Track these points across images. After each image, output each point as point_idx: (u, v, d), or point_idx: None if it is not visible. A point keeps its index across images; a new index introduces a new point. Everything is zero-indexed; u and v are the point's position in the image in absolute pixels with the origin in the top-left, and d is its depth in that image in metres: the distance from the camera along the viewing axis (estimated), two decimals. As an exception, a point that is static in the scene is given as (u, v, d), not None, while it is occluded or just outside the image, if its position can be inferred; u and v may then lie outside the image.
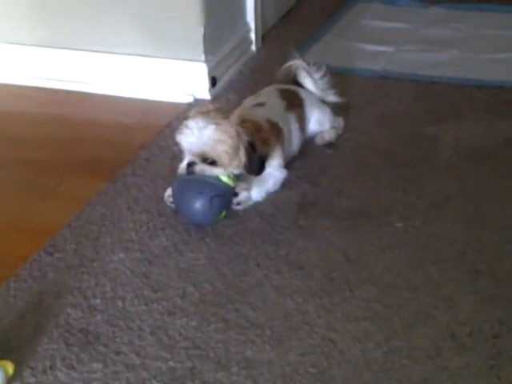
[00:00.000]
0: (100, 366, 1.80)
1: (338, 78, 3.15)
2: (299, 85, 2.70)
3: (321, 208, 2.35)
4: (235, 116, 2.26)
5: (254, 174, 2.28)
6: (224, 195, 2.24)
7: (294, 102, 2.55)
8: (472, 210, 2.31)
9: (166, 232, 2.26)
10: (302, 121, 2.56)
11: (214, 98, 3.04)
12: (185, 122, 2.24)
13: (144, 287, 2.04)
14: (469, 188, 2.42)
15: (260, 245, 2.19)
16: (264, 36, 3.57)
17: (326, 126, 2.66)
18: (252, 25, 3.45)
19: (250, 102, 2.57)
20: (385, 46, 3.47)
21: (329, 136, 2.66)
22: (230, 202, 2.28)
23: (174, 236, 2.24)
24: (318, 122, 2.64)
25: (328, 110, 2.68)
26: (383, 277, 2.05)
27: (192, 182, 2.24)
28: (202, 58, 3.02)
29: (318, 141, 2.66)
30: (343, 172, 2.53)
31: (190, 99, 3.04)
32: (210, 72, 3.05)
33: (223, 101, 3.01)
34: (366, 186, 2.45)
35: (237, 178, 2.28)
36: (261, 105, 2.48)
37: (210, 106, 2.29)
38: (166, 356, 1.82)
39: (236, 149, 2.20)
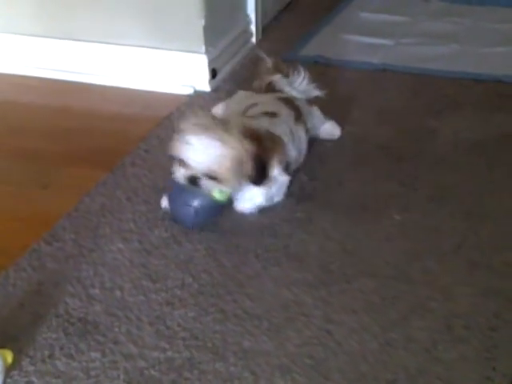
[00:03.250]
0: (98, 355, 1.81)
1: (337, 70, 3.18)
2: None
3: (319, 200, 2.36)
4: (236, 127, 2.17)
5: (258, 183, 2.23)
6: (209, 210, 2.22)
7: (298, 111, 2.52)
8: (470, 202, 2.32)
9: (165, 223, 2.26)
10: (308, 130, 2.54)
11: (214, 90, 3.05)
12: (185, 137, 2.15)
13: (143, 277, 2.05)
14: (467, 181, 2.43)
15: (258, 236, 2.20)
16: (264, 28, 3.57)
17: (320, 123, 2.66)
18: (252, 17, 3.45)
19: (240, 105, 2.53)
20: (384, 39, 3.47)
21: (337, 131, 2.67)
22: (218, 212, 2.27)
23: (173, 227, 2.24)
24: (315, 123, 2.63)
25: (317, 110, 2.67)
26: (381, 269, 2.06)
27: (183, 192, 2.20)
28: (203, 49, 3.02)
29: (328, 137, 2.67)
30: (341, 165, 2.54)
31: (190, 91, 3.05)
32: (210, 63, 3.05)
33: (223, 93, 3.02)
34: (365, 179, 2.46)
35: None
36: (271, 114, 2.40)
37: (205, 119, 2.20)
38: (164, 346, 1.83)
39: (241, 163, 2.15)
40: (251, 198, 2.28)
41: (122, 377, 1.75)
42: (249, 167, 2.16)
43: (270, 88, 2.66)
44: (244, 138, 2.15)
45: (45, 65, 3.22)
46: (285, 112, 2.45)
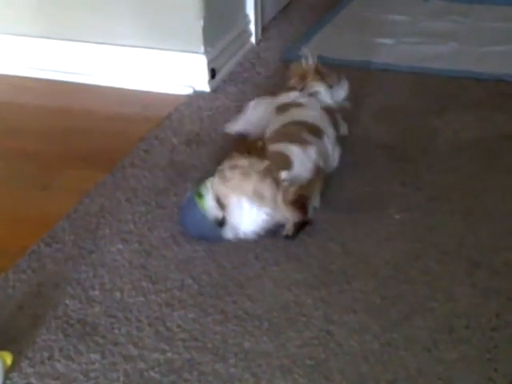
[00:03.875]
0: (98, 356, 1.80)
1: (338, 70, 3.16)
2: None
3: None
4: (287, 196, 2.11)
5: (292, 239, 2.19)
6: (219, 236, 2.18)
7: (336, 122, 2.51)
8: (470, 202, 2.32)
9: (165, 224, 2.26)
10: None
11: (214, 90, 3.04)
12: (234, 197, 2.10)
13: (142, 279, 2.05)
14: (467, 180, 2.42)
15: (258, 237, 2.19)
16: (264, 28, 3.57)
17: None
18: (252, 17, 3.44)
19: (274, 104, 2.51)
20: (384, 38, 3.46)
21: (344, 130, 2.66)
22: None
23: (172, 228, 2.24)
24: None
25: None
26: (381, 269, 2.06)
27: (196, 217, 2.17)
28: (202, 49, 3.02)
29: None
30: (341, 164, 2.53)
31: (189, 91, 3.04)
32: (209, 64, 3.04)
33: (222, 93, 3.02)
34: (364, 179, 2.45)
35: None
36: (316, 132, 2.36)
37: (264, 188, 2.11)
38: (164, 347, 1.82)
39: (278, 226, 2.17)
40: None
41: (121, 378, 1.75)
42: (289, 230, 2.17)
43: (303, 88, 2.60)
44: (292, 208, 2.12)
45: (44, 66, 3.21)
46: (328, 130, 2.43)
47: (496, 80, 3.04)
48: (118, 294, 2.00)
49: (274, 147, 2.23)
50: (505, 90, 2.97)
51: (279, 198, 2.11)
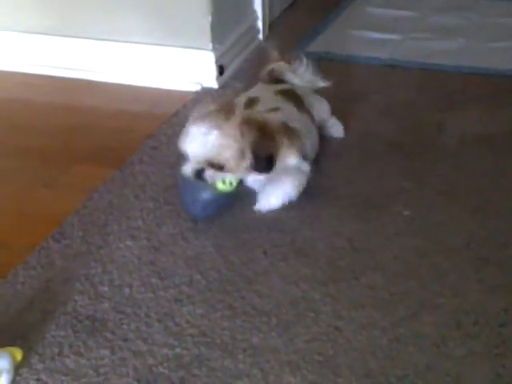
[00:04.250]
0: (107, 352, 1.81)
1: (345, 66, 3.17)
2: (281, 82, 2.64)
3: (327, 196, 2.35)
4: (237, 115, 2.17)
5: (262, 172, 2.23)
6: (218, 202, 2.23)
7: (298, 101, 2.51)
8: (478, 198, 2.32)
9: (173, 220, 2.26)
10: (313, 118, 2.54)
11: (222, 87, 3.05)
12: (186, 127, 2.18)
13: (151, 275, 2.05)
14: (475, 176, 2.42)
15: (266, 233, 2.20)
16: (271, 24, 3.57)
17: (327, 114, 2.65)
18: (259, 13, 3.44)
19: (243, 99, 2.49)
20: (391, 34, 3.47)
21: (341, 130, 2.67)
22: (227, 203, 2.27)
23: (180, 224, 2.24)
24: (319, 112, 2.62)
25: (324, 100, 2.66)
26: (389, 265, 2.06)
27: (188, 188, 2.22)
28: (210, 46, 3.02)
29: (334, 134, 2.66)
30: (349, 160, 2.54)
31: (197, 88, 3.04)
32: (217, 60, 3.05)
33: (230, 89, 3.02)
34: (372, 175, 2.45)
35: (240, 181, 2.24)
36: (275, 110, 2.39)
37: (211, 106, 2.20)
38: (173, 343, 1.83)
39: (242, 151, 2.15)
40: (276, 194, 2.26)
41: (130, 374, 1.75)
42: (249, 156, 2.16)
43: (272, 76, 2.64)
44: (244, 126, 2.14)
45: (52, 63, 3.22)
46: (285, 105, 2.44)
47: (503, 76, 3.03)
48: (126, 290, 2.00)
49: None
50: (512, 86, 2.97)
51: (232, 118, 2.14)
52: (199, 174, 2.17)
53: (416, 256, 2.09)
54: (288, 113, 2.39)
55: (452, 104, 2.86)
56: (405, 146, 2.60)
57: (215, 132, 2.12)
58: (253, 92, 2.56)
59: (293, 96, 2.51)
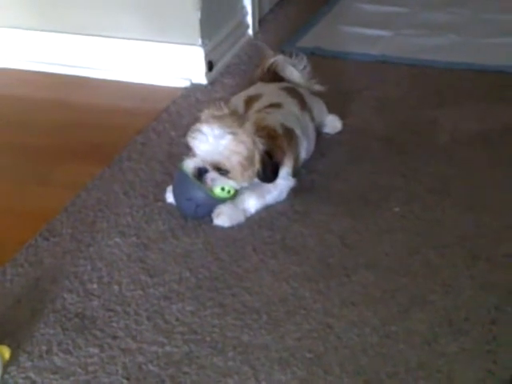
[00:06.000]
0: (96, 350, 1.80)
1: (336, 62, 3.16)
2: (280, 80, 2.63)
3: (317, 193, 2.34)
4: (251, 123, 2.17)
5: (267, 181, 2.22)
6: (211, 205, 2.20)
7: (301, 99, 2.51)
8: (470, 195, 2.31)
9: (163, 217, 2.25)
10: (314, 118, 2.53)
11: (211, 83, 3.03)
12: (198, 126, 2.16)
13: (140, 272, 2.04)
14: (467, 173, 2.41)
15: (256, 230, 2.19)
16: (261, 20, 3.55)
17: (325, 114, 2.64)
18: (249, 9, 3.43)
19: (242, 97, 2.51)
20: (383, 30, 3.45)
21: (339, 123, 2.66)
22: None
23: (170, 221, 2.23)
24: (319, 113, 2.61)
25: (320, 100, 2.66)
26: (380, 262, 2.05)
27: (184, 185, 2.20)
28: (199, 41, 3.00)
29: (331, 130, 2.65)
30: (340, 157, 2.53)
31: (186, 83, 3.03)
32: (206, 56, 3.03)
33: (220, 85, 3.01)
34: (364, 171, 2.44)
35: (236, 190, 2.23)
36: (276, 106, 2.40)
37: (225, 110, 2.19)
38: (163, 341, 1.82)
39: (251, 159, 2.15)
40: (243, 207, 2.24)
41: (120, 372, 1.74)
42: (258, 165, 2.16)
43: (273, 70, 2.64)
44: (258, 134, 2.15)
45: (40, 59, 3.20)
46: (288, 101, 2.44)
47: (496, 72, 3.03)
48: (116, 288, 1.99)
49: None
50: (505, 82, 2.96)
51: (244, 123, 2.14)
52: (200, 173, 2.15)
53: (408, 253, 2.08)
54: (288, 110, 2.39)
55: (444, 100, 2.85)
56: (397, 143, 2.59)
57: (229, 137, 2.12)
58: (255, 89, 2.56)
59: (296, 94, 2.51)
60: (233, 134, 2.12)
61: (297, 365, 1.74)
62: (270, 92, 2.50)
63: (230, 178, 2.16)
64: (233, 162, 2.13)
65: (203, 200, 2.19)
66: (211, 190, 2.17)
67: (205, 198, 2.18)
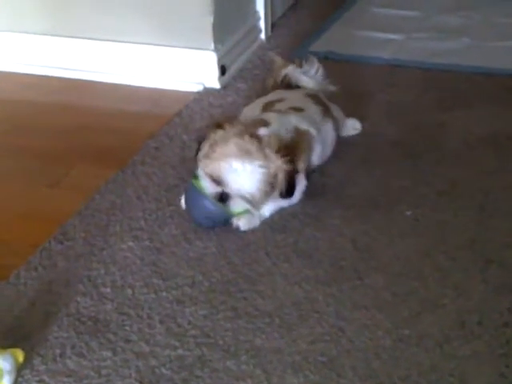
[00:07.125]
0: (109, 353, 1.81)
1: (348, 66, 3.16)
2: (296, 87, 2.65)
3: (329, 196, 2.35)
4: (273, 148, 2.14)
5: (287, 198, 2.23)
6: (227, 219, 2.20)
7: (326, 107, 2.52)
8: (481, 198, 2.31)
9: (175, 220, 2.26)
10: (337, 123, 2.54)
11: (224, 87, 3.04)
12: (228, 161, 2.11)
13: (153, 276, 2.05)
14: (478, 176, 2.41)
15: (269, 233, 2.19)
16: (273, 25, 3.56)
17: (342, 118, 2.64)
18: (261, 13, 3.44)
19: (260, 104, 2.51)
20: (394, 33, 3.46)
21: (358, 125, 2.67)
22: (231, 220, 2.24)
23: (183, 225, 2.24)
24: (340, 120, 2.61)
25: (337, 106, 2.65)
26: (392, 265, 2.05)
27: (201, 203, 2.18)
28: (212, 46, 3.01)
29: (352, 132, 2.66)
30: (351, 160, 2.53)
31: (199, 88, 3.04)
32: (219, 60, 3.04)
33: (232, 90, 3.02)
34: (375, 175, 2.44)
35: None
36: (298, 110, 2.40)
37: (240, 127, 2.17)
38: (175, 344, 1.82)
39: (274, 184, 2.16)
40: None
41: (133, 375, 1.75)
42: (282, 185, 2.17)
43: (286, 82, 2.65)
44: (281, 157, 2.14)
45: (54, 63, 3.22)
46: (312, 107, 2.45)
47: (507, 75, 3.02)
48: (129, 291, 2.00)
49: (249, 117, 2.34)
50: (516, 86, 2.96)
51: (265, 148, 2.13)
52: (222, 198, 2.15)
53: (419, 256, 2.08)
54: (307, 115, 2.39)
55: (456, 104, 2.85)
56: (408, 146, 2.59)
57: (261, 171, 2.12)
58: (276, 95, 2.57)
59: (321, 101, 2.53)
60: (264, 167, 2.12)
61: (309, 368, 1.74)
62: (293, 97, 2.52)
63: (253, 204, 2.17)
64: (261, 192, 2.15)
65: (222, 217, 2.19)
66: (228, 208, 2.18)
67: (223, 216, 2.18)
